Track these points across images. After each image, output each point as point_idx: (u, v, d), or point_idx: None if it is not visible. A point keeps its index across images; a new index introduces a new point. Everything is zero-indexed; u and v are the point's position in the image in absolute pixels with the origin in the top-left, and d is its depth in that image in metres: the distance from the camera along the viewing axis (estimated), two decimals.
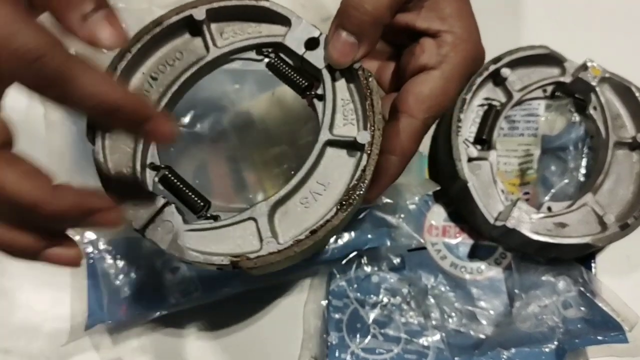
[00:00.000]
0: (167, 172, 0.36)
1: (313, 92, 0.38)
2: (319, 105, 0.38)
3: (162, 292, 0.47)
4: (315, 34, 0.37)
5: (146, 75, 0.38)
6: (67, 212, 0.28)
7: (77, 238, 0.48)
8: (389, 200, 0.46)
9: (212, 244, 0.35)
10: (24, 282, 0.48)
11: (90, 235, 0.48)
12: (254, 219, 0.35)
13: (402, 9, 0.39)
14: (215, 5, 0.37)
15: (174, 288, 0.47)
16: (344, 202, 0.35)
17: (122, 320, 0.45)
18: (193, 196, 0.36)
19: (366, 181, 0.36)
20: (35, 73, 0.26)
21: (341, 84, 0.38)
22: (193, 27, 0.38)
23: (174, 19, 0.37)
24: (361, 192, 0.36)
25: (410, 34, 0.40)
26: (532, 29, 0.56)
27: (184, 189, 0.36)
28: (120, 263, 0.48)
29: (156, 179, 0.36)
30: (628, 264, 0.50)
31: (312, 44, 0.37)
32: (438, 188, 0.49)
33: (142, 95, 0.31)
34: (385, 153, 0.38)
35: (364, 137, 0.36)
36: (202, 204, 0.36)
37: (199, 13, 0.37)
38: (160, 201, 0.35)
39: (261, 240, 0.35)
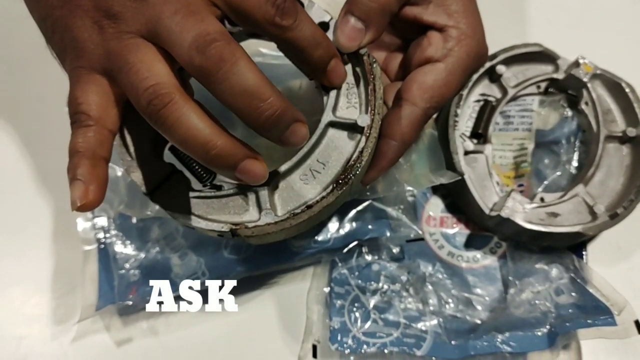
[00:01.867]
0: None
1: None
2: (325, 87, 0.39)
3: (170, 276, 0.49)
4: (326, 18, 0.39)
5: None
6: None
7: (88, 224, 0.51)
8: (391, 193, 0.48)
9: (214, 211, 0.37)
10: (38, 269, 0.50)
11: (101, 221, 0.50)
12: (255, 191, 0.38)
13: (411, 2, 0.41)
14: None
15: (181, 272, 0.49)
16: (340, 181, 0.37)
17: (132, 302, 0.47)
18: (199, 167, 0.38)
19: (363, 162, 0.37)
20: (147, 115, 0.31)
21: (347, 68, 0.40)
22: None
23: None
24: (357, 172, 0.37)
25: (418, 27, 0.42)
26: (527, 27, 0.59)
27: (192, 158, 0.38)
28: (131, 247, 0.50)
29: (167, 148, 0.38)
30: (619, 253, 0.52)
31: (322, 27, 0.39)
32: (459, 178, 0.49)
33: (235, 142, 0.33)
34: (385, 137, 0.40)
35: (364, 120, 0.38)
36: (207, 174, 0.38)
37: None
38: (169, 168, 0.38)
39: (260, 211, 0.37)
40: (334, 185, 0.37)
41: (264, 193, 0.37)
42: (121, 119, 0.35)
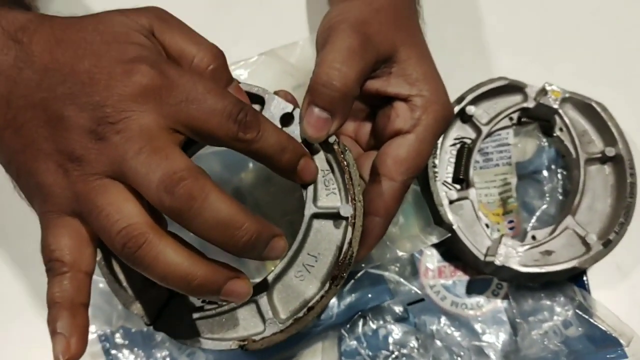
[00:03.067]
0: None
1: None
2: None
3: None
4: (289, 109, 0.39)
5: None
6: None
7: (93, 336, 0.51)
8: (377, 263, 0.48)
9: (219, 329, 0.37)
10: None
11: (102, 328, 0.50)
12: (255, 301, 0.37)
13: (371, 76, 0.41)
14: None
15: None
16: (336, 277, 0.37)
17: None
18: None
19: (354, 253, 0.37)
20: (124, 257, 0.32)
21: (319, 156, 0.39)
22: None
23: None
24: (350, 264, 0.37)
25: (382, 98, 0.42)
26: (491, 61, 0.59)
27: None
28: (139, 355, 0.50)
29: None
30: (619, 273, 0.52)
31: (287, 119, 0.39)
32: (449, 235, 0.49)
33: (215, 267, 0.32)
34: (369, 215, 0.40)
35: (347, 211, 0.38)
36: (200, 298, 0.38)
37: None
38: (166, 293, 0.37)
39: (264, 321, 0.37)
40: (331, 281, 0.37)
41: (263, 301, 0.37)
42: (96, 256, 0.35)
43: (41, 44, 0.34)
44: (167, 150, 0.31)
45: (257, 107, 0.39)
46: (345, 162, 0.39)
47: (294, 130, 0.39)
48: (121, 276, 0.37)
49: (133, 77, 0.32)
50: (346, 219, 0.38)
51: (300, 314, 0.37)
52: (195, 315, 0.37)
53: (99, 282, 0.47)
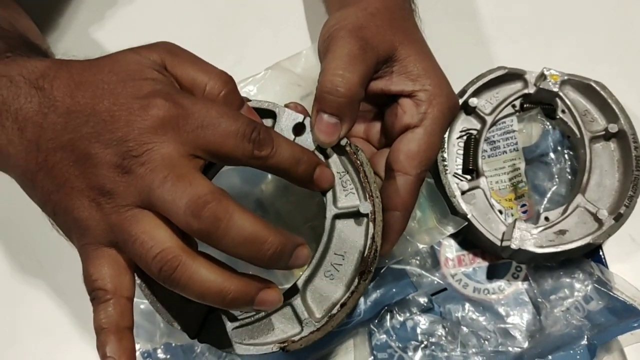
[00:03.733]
0: None
1: None
2: None
3: None
4: (300, 119, 0.41)
5: None
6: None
7: (137, 353, 0.53)
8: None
9: (259, 335, 0.40)
10: None
11: (145, 346, 0.53)
12: (290, 304, 0.40)
13: (374, 77, 0.43)
14: None
15: None
16: (363, 272, 0.39)
17: None
18: None
19: (378, 247, 0.39)
20: (161, 280, 0.34)
21: (334, 159, 0.42)
22: None
23: None
24: (376, 258, 0.39)
25: (388, 96, 0.44)
26: (491, 49, 0.60)
27: None
28: None
29: None
30: (634, 245, 0.53)
31: (299, 128, 0.41)
32: (465, 223, 0.50)
33: (246, 280, 0.35)
34: (389, 210, 0.42)
35: (366, 208, 0.40)
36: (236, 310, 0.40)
37: None
38: (205, 307, 0.40)
39: (300, 322, 0.39)
40: (359, 277, 0.39)
41: (298, 304, 0.39)
42: (135, 281, 0.37)
43: (62, 89, 0.36)
44: (189, 176, 0.33)
45: (269, 121, 0.42)
46: (359, 162, 0.41)
47: (307, 138, 0.41)
48: (162, 296, 0.40)
49: (150, 110, 0.34)
50: (366, 215, 0.40)
51: (334, 311, 0.39)
52: (235, 324, 0.40)
53: (140, 303, 0.50)
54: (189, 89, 0.38)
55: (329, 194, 0.41)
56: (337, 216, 0.41)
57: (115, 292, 0.35)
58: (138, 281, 0.38)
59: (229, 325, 0.40)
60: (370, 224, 0.40)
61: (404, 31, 0.45)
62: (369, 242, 0.40)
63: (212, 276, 0.34)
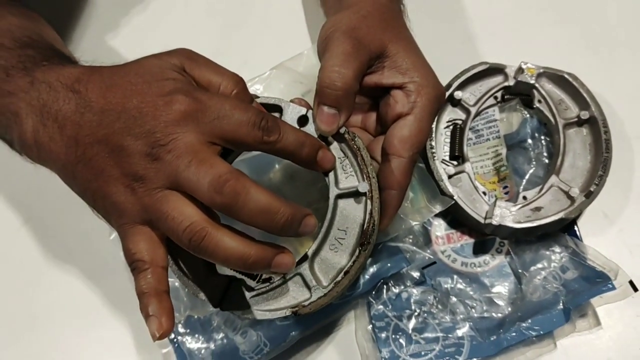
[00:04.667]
0: None
1: None
2: None
3: (238, 355, 0.57)
4: (303, 111, 0.46)
5: None
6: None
7: None
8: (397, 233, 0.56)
9: (273, 302, 0.45)
10: None
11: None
12: (300, 274, 0.45)
13: (368, 72, 0.48)
14: None
15: (247, 349, 0.57)
16: (363, 243, 0.45)
17: None
18: None
19: (375, 221, 0.45)
20: (191, 249, 0.39)
21: (334, 146, 0.47)
22: None
23: None
24: (374, 231, 0.45)
25: (381, 89, 0.49)
26: (470, 50, 0.66)
27: None
28: (200, 339, 0.59)
29: None
30: (606, 220, 0.59)
31: (303, 120, 0.46)
32: (452, 202, 0.55)
33: (263, 246, 0.40)
34: (385, 189, 0.47)
35: (364, 187, 0.45)
36: (256, 273, 0.45)
37: None
38: (225, 279, 0.45)
39: (309, 289, 0.45)
40: (360, 248, 0.44)
41: (307, 273, 0.45)
42: (170, 252, 0.43)
43: (95, 91, 0.42)
44: (210, 160, 0.39)
45: (276, 114, 0.47)
46: (356, 147, 0.46)
47: (310, 128, 0.46)
48: (187, 271, 0.46)
49: (173, 106, 0.40)
50: (364, 194, 0.45)
51: (339, 278, 0.44)
52: (252, 294, 0.45)
53: None
54: (205, 88, 0.43)
55: (331, 177, 0.46)
56: (339, 196, 0.46)
57: (152, 262, 0.41)
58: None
59: (247, 295, 0.45)
60: (368, 202, 0.45)
61: (393, 30, 0.49)
62: (367, 217, 0.45)
63: (234, 243, 0.39)
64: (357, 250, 0.45)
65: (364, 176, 0.46)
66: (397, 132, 0.47)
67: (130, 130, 0.40)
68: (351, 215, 0.46)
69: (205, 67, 0.44)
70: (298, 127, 0.46)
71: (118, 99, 0.41)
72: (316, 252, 0.46)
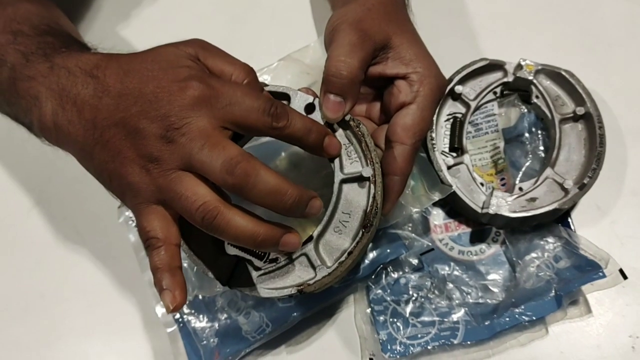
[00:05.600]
0: None
1: None
2: None
3: (241, 334, 0.59)
4: (310, 100, 0.48)
5: None
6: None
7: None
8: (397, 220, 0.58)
9: (279, 280, 0.47)
10: (135, 357, 0.61)
11: None
12: (305, 254, 0.47)
13: (373, 63, 0.50)
14: None
15: (249, 329, 0.59)
16: (366, 225, 0.46)
17: None
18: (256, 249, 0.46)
19: (378, 204, 0.47)
20: (204, 227, 0.41)
21: (340, 133, 0.49)
22: None
23: None
24: (377, 214, 0.47)
25: (385, 79, 0.51)
26: (472, 46, 0.68)
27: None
28: (204, 319, 0.61)
29: (226, 243, 0.47)
30: (599, 212, 0.61)
31: (310, 108, 0.48)
32: (451, 190, 0.57)
33: (272, 226, 0.42)
34: (389, 175, 0.48)
35: (367, 172, 0.47)
36: (263, 253, 0.47)
37: None
38: (234, 259, 0.47)
39: (314, 268, 0.46)
40: (363, 230, 0.46)
41: (312, 254, 0.46)
42: (181, 233, 0.44)
43: (113, 77, 0.44)
44: (222, 143, 0.41)
45: (284, 102, 0.48)
46: (360, 133, 0.48)
47: (317, 116, 0.48)
48: (197, 251, 0.47)
49: (187, 91, 0.42)
50: (368, 178, 0.47)
51: (343, 259, 0.46)
52: (259, 273, 0.47)
53: None
54: (217, 77, 0.45)
55: (337, 163, 0.48)
56: (344, 181, 0.48)
57: (165, 240, 0.42)
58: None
59: (254, 274, 0.47)
60: (372, 186, 0.47)
61: (397, 23, 0.51)
62: (370, 200, 0.47)
63: (244, 222, 0.41)
64: (360, 232, 0.46)
65: (368, 161, 0.48)
66: (400, 120, 0.49)
67: (147, 113, 0.42)
68: (355, 200, 0.48)
69: (218, 56, 0.46)
70: (305, 115, 0.48)
71: (135, 84, 0.43)
72: (321, 234, 0.47)
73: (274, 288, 0.46)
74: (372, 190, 0.47)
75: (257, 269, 0.47)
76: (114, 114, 0.43)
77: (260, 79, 0.66)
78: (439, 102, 0.52)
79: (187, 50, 0.45)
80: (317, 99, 0.48)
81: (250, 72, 0.47)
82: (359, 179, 0.48)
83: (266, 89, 0.49)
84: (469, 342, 0.55)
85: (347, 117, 0.48)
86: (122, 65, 0.44)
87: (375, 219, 0.47)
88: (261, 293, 0.46)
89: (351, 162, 0.49)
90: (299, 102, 0.48)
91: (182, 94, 0.42)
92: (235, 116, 0.42)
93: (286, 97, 0.49)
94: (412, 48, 0.50)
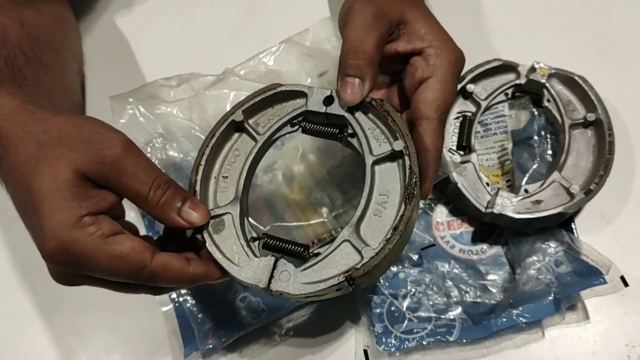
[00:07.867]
0: (266, 239, 0.46)
1: (345, 134, 0.47)
2: (353, 141, 0.47)
3: (237, 318, 0.59)
4: (328, 92, 0.47)
5: (218, 178, 0.48)
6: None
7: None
8: None
9: (325, 272, 0.43)
10: (131, 335, 0.61)
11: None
12: (348, 240, 0.43)
13: (388, 41, 0.49)
14: (246, 105, 0.48)
15: (245, 313, 0.59)
16: (408, 196, 0.44)
17: (212, 345, 0.57)
18: (294, 247, 0.45)
19: (416, 175, 0.44)
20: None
21: (363, 118, 0.47)
22: (238, 127, 0.49)
23: (222, 127, 0.48)
24: (416, 184, 0.44)
25: (400, 58, 0.50)
26: (486, 46, 0.68)
27: (285, 245, 0.45)
28: (200, 301, 0.61)
29: (259, 247, 0.45)
30: (603, 220, 0.60)
31: (329, 100, 0.47)
32: (445, 176, 0.58)
33: (206, 272, 0.44)
34: (421, 152, 0.46)
35: (399, 145, 0.45)
36: (303, 249, 0.44)
37: (238, 116, 0.48)
38: (271, 260, 0.43)
39: (359, 252, 0.42)
40: (405, 201, 0.44)
41: (354, 239, 0.43)
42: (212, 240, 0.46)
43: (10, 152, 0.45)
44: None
45: (302, 100, 0.48)
46: (385, 111, 0.46)
47: (336, 105, 0.47)
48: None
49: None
50: (400, 152, 0.45)
51: (389, 235, 0.42)
52: (301, 269, 0.43)
53: None
54: (134, 199, 0.45)
55: (365, 148, 0.46)
56: (375, 162, 0.46)
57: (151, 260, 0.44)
58: (208, 242, 0.45)
59: (296, 270, 0.43)
60: (406, 157, 0.44)
61: None
62: (407, 172, 0.44)
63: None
64: (403, 206, 0.44)
65: (398, 135, 0.45)
66: (421, 96, 0.48)
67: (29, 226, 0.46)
68: (390, 178, 0.46)
69: (133, 179, 0.45)
70: (325, 108, 0.47)
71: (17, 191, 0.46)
72: (360, 220, 0.44)
73: (318, 281, 0.42)
74: (408, 162, 0.44)
75: (298, 264, 0.44)
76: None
77: (263, 61, 0.67)
78: (459, 76, 0.50)
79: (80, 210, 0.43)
80: (334, 90, 0.47)
81: (167, 186, 0.45)
82: (391, 157, 0.46)
83: (283, 88, 0.48)
84: (464, 340, 0.55)
85: (368, 99, 0.46)
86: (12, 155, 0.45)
87: (415, 189, 0.44)
88: (304, 290, 0.42)
89: (379, 145, 0.47)
90: (317, 97, 0.47)
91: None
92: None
93: (303, 95, 0.48)
94: (427, 22, 0.49)
